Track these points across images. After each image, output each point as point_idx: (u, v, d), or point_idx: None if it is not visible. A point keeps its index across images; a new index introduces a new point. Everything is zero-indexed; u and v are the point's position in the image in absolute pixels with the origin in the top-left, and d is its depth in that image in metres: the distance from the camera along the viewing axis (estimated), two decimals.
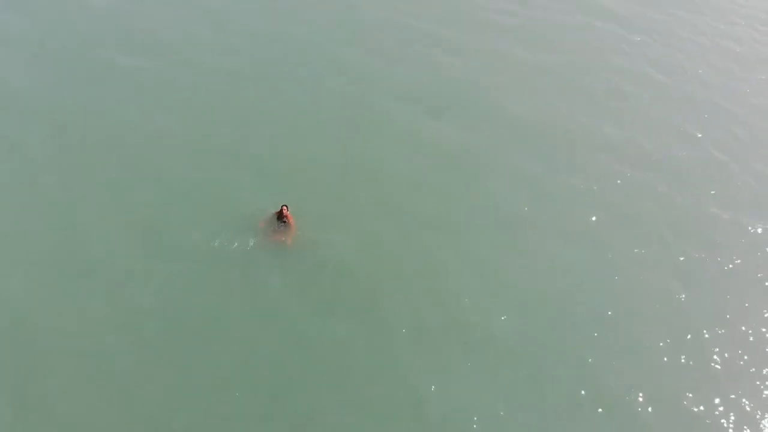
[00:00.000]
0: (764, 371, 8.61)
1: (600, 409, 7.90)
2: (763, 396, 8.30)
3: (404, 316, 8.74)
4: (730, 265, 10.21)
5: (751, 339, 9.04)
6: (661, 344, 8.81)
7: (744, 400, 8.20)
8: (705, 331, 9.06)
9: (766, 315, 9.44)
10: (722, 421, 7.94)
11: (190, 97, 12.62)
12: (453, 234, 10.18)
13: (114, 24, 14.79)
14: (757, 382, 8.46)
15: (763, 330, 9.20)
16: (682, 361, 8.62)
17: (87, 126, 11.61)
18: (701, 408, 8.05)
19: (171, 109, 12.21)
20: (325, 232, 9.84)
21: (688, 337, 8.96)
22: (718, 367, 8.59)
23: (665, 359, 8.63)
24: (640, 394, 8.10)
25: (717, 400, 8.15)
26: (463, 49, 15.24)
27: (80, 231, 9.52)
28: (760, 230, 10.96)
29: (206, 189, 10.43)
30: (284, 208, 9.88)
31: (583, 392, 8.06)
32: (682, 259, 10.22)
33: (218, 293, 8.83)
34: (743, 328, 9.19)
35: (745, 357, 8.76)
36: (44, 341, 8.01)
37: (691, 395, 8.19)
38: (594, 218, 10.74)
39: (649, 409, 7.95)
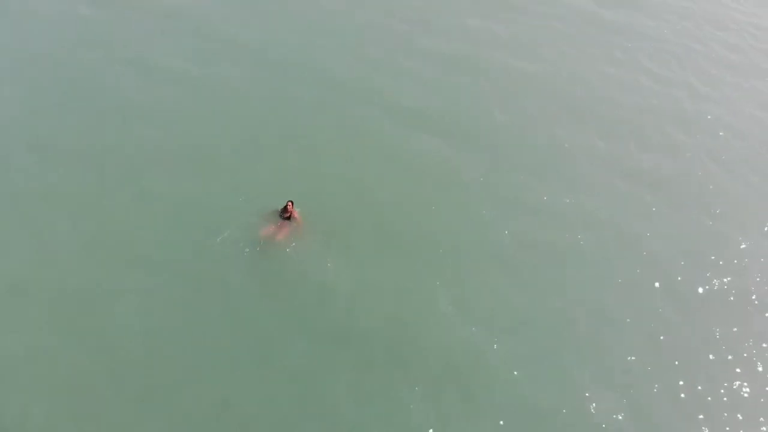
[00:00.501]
0: (756, 394, 8.47)
1: None
2: (757, 423, 8.17)
3: (390, 339, 8.54)
4: (725, 280, 10.06)
5: (743, 360, 8.88)
6: (650, 368, 8.62)
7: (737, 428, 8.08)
8: (696, 352, 8.91)
9: (758, 332, 9.33)
10: None
11: (173, 109, 12.39)
12: (441, 255, 9.93)
13: (99, 35, 14.53)
14: (750, 406, 8.32)
15: (756, 351, 9.06)
16: (673, 385, 8.45)
17: (68, 138, 11.38)
18: None
19: (154, 120, 11.98)
20: (313, 247, 9.69)
21: (678, 360, 8.79)
22: (709, 390, 8.43)
23: (655, 383, 8.44)
24: (621, 416, 7.94)
25: (706, 428, 8.02)
26: (452, 58, 15.01)
27: (56, 248, 9.30)
28: (753, 244, 10.82)
29: (192, 202, 10.21)
30: (289, 203, 9.75)
31: (570, 415, 7.92)
32: (673, 276, 10.04)
33: (202, 311, 8.63)
34: (736, 348, 9.04)
35: (736, 381, 8.61)
36: (17, 365, 7.81)
37: (681, 423, 8.05)
38: (581, 235, 10.56)
39: None
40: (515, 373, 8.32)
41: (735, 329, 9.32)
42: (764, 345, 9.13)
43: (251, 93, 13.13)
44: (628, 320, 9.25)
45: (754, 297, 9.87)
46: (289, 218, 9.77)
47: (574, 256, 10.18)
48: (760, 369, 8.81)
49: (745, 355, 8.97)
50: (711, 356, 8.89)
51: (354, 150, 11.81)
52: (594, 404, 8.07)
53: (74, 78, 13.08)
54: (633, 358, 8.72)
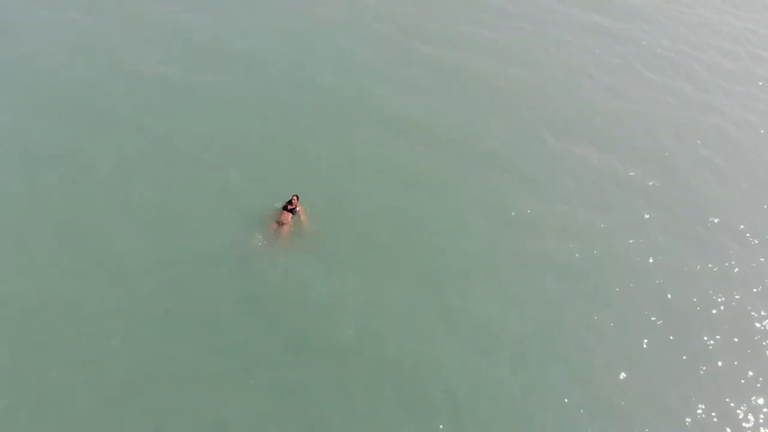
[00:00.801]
0: (747, 409, 8.40)
1: None
2: None
3: (379, 353, 8.41)
4: (718, 291, 9.96)
5: (736, 373, 8.81)
6: (642, 382, 8.52)
7: None
8: (688, 364, 8.81)
9: (751, 345, 9.25)
10: None
11: (161, 116, 12.21)
12: (432, 266, 9.80)
13: (89, 42, 14.34)
14: (741, 420, 8.24)
15: (748, 363, 8.98)
16: (663, 398, 8.35)
17: (55, 145, 11.20)
18: None
19: (143, 128, 11.80)
20: (302, 257, 9.55)
21: (669, 373, 8.70)
22: (700, 404, 8.36)
23: (646, 398, 8.32)
24: None
25: None
26: (446, 66, 14.84)
27: (40, 256, 9.15)
28: (747, 255, 10.72)
29: (180, 210, 10.10)
30: (295, 198, 9.81)
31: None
32: (666, 287, 9.92)
33: (188, 324, 8.50)
34: (728, 360, 8.97)
35: (727, 394, 8.53)
36: None
37: None
38: (574, 245, 10.44)
39: None
40: (503, 388, 8.22)
41: (725, 341, 9.24)
42: (757, 357, 9.06)
43: (242, 100, 12.96)
44: (621, 333, 9.15)
45: (748, 308, 9.78)
46: (293, 212, 9.79)
47: (566, 267, 10.06)
48: (752, 381, 8.72)
49: (737, 367, 8.88)
50: (702, 369, 8.81)
51: (345, 159, 11.67)
52: (586, 421, 7.97)
53: (63, 85, 12.89)
54: (624, 374, 8.62)
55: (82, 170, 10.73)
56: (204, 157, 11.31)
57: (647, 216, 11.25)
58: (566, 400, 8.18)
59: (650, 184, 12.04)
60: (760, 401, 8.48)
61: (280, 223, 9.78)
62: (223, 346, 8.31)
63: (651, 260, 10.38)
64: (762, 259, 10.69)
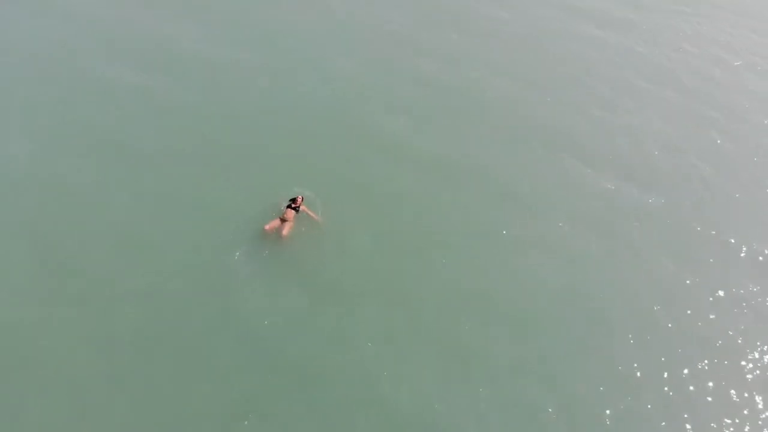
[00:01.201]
0: None
1: None
2: None
3: (363, 388, 8.20)
4: (711, 316, 9.75)
5: (724, 398, 8.56)
6: (629, 410, 8.26)
7: None
8: (677, 391, 8.58)
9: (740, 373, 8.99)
10: None
11: (141, 135, 12.02)
12: (419, 296, 9.50)
13: (68, 54, 14.28)
14: None
15: (736, 390, 8.73)
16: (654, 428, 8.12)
17: (27, 168, 11.06)
18: None
19: (121, 147, 11.62)
20: (290, 285, 9.34)
21: (659, 398, 8.47)
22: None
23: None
24: None
25: None
26: (436, 79, 14.73)
27: (11, 287, 8.95)
28: (742, 282, 10.48)
29: (160, 236, 9.92)
30: (300, 198, 10.12)
31: None
32: (658, 311, 9.65)
33: (169, 353, 8.33)
34: (720, 387, 8.73)
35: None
36: None
37: None
38: (567, 267, 10.22)
39: None
40: (488, 412, 7.99)
41: (719, 364, 8.99)
42: (749, 380, 8.81)
43: (225, 111, 12.87)
44: (611, 356, 8.93)
45: (743, 329, 9.50)
46: (297, 210, 9.95)
47: (556, 287, 9.82)
48: (743, 405, 8.46)
49: (729, 391, 8.62)
50: (694, 393, 8.56)
51: (327, 172, 11.45)
52: None
53: (39, 97, 12.72)
54: (614, 398, 8.39)
55: (59, 187, 10.57)
56: (187, 171, 11.18)
57: (640, 233, 11.03)
58: (555, 425, 7.94)
59: (643, 199, 11.81)
60: (752, 426, 8.20)
61: (283, 220, 9.87)
62: (203, 369, 8.16)
63: (644, 280, 10.15)
64: (758, 277, 10.39)
